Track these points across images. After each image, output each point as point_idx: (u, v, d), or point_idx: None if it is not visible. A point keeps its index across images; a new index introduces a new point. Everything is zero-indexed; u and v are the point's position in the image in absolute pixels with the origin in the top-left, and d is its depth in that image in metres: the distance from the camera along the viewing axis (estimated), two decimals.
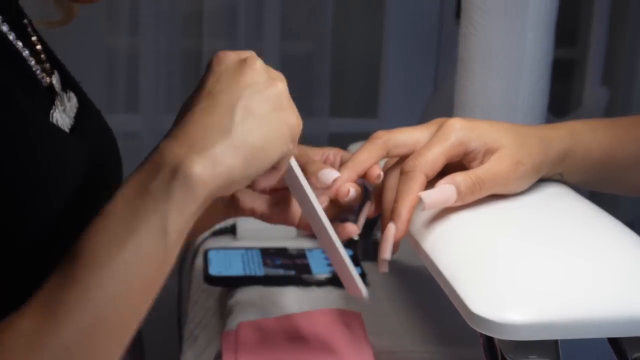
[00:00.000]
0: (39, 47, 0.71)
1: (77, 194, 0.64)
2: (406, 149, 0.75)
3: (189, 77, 2.24)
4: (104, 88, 2.25)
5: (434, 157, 0.71)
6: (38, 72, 0.68)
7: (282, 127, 0.63)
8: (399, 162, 0.74)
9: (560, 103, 2.25)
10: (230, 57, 0.65)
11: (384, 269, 0.72)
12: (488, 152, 0.72)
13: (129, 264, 0.55)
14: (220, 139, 0.59)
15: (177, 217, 0.57)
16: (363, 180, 0.78)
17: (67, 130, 0.67)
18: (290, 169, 0.69)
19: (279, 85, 0.64)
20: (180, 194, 0.57)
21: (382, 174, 0.76)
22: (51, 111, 0.66)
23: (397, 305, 1.00)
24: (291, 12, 2.30)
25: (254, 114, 0.61)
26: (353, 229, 0.78)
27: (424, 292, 1.03)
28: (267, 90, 0.63)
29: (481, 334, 0.62)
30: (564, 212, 0.74)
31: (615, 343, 0.65)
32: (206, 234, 1.19)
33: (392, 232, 0.70)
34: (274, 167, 0.64)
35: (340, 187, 0.75)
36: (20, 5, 0.71)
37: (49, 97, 0.68)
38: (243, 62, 0.64)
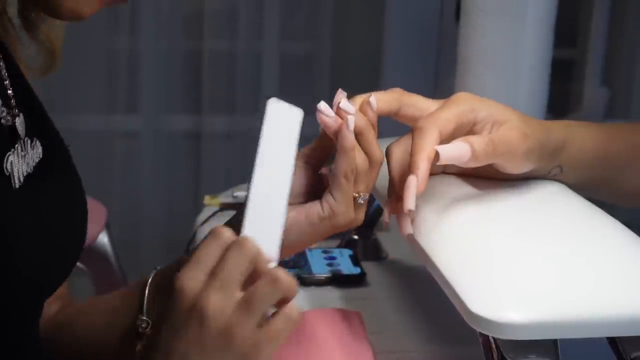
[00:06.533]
0: (6, 82, 0.68)
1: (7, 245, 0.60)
2: (416, 110, 0.75)
3: (189, 77, 2.23)
4: (104, 88, 2.25)
5: (447, 116, 0.71)
6: (2, 113, 0.65)
7: None
8: (402, 139, 0.74)
9: (560, 103, 2.24)
10: (186, 293, 0.58)
11: (408, 229, 0.70)
12: (496, 124, 0.73)
13: None
14: None
15: None
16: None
17: (22, 176, 0.65)
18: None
19: (236, 342, 0.57)
20: None
21: (375, 104, 0.72)
22: (8, 153, 0.64)
23: (397, 305, 1.00)
24: (291, 12, 2.30)
25: None
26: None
27: (424, 292, 1.03)
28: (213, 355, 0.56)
29: (481, 333, 0.62)
30: (563, 212, 0.74)
31: (614, 342, 0.66)
32: (206, 232, 1.19)
33: (413, 183, 0.68)
34: None
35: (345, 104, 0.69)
36: None
37: (10, 138, 0.65)
38: (193, 310, 0.57)
